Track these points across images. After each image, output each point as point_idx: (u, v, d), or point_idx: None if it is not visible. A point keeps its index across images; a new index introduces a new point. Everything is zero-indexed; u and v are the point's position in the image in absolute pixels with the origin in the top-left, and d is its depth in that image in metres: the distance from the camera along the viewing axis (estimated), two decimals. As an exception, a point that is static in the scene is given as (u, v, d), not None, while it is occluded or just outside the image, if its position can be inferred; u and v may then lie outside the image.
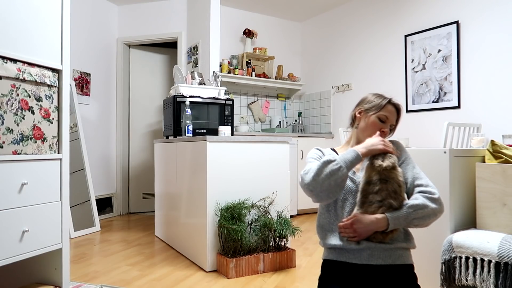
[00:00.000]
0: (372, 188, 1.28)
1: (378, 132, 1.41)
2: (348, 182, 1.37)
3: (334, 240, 1.34)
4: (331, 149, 1.53)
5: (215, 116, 3.45)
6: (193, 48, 4.31)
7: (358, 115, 1.49)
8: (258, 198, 2.70)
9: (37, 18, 1.87)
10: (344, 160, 1.27)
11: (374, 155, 1.32)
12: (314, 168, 1.28)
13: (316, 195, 1.28)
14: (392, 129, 1.47)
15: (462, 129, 3.14)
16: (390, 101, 1.45)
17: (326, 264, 1.39)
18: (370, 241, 1.30)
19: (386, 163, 1.28)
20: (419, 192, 1.31)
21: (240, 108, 5.09)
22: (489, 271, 1.48)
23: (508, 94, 3.27)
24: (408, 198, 1.34)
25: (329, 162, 1.26)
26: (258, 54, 4.96)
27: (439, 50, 3.77)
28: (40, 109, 1.88)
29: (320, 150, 1.49)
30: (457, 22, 3.61)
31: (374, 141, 1.33)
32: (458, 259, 1.59)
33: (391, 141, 1.45)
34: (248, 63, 4.92)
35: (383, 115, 1.42)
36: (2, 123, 1.70)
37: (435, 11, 3.83)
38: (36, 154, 1.85)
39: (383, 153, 1.32)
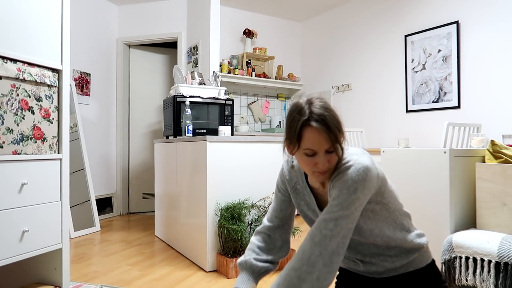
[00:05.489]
0: None
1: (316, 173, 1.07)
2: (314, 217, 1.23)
3: None
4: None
5: (215, 116, 3.45)
6: (193, 48, 4.31)
7: (288, 149, 1.11)
8: (258, 198, 2.70)
9: (37, 18, 1.87)
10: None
11: None
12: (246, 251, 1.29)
13: None
14: (335, 150, 1.05)
15: (462, 129, 3.14)
16: (307, 121, 1.02)
17: None
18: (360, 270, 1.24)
19: None
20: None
21: (240, 108, 5.08)
22: (489, 271, 1.48)
23: (508, 94, 3.27)
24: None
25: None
26: (258, 54, 4.96)
27: (439, 50, 3.77)
28: (40, 109, 1.88)
29: (284, 178, 1.27)
30: (457, 22, 3.61)
31: None
32: (458, 259, 1.59)
33: (340, 164, 1.08)
34: (248, 63, 4.92)
35: (306, 149, 1.04)
36: (2, 123, 1.70)
37: (435, 11, 3.83)
38: (36, 154, 1.85)
39: None
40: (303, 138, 1.03)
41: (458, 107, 3.61)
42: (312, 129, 1.02)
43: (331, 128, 1.02)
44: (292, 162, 1.22)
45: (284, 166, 1.27)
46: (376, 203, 1.12)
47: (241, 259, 1.26)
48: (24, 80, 1.80)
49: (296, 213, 4.79)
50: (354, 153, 1.10)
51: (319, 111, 1.02)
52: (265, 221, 1.32)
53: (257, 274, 1.23)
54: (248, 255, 1.26)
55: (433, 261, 1.24)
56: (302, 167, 1.10)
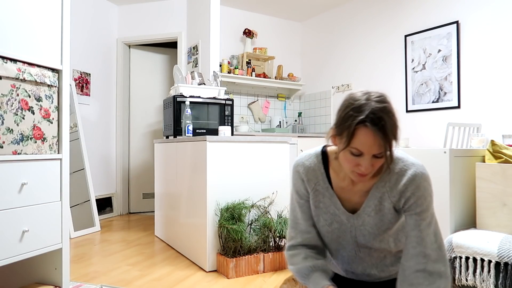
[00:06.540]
0: None
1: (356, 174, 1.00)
2: (341, 219, 1.13)
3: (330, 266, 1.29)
4: (323, 149, 1.20)
5: (215, 116, 3.45)
6: (193, 48, 4.31)
7: (332, 139, 1.06)
8: (258, 198, 2.70)
9: (37, 18, 1.86)
10: None
11: None
12: (294, 270, 1.17)
13: None
14: (385, 157, 0.98)
15: (462, 129, 3.14)
16: (364, 121, 0.93)
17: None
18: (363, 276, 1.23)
19: None
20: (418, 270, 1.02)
21: (240, 108, 5.08)
22: (489, 271, 1.48)
23: (508, 94, 3.27)
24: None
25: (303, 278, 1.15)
26: (258, 54, 4.95)
27: (439, 50, 3.77)
28: (40, 109, 1.88)
29: (302, 181, 1.17)
30: (457, 22, 3.61)
31: None
32: (458, 259, 1.59)
33: (401, 169, 1.05)
34: (248, 63, 4.92)
35: (354, 148, 0.96)
36: (2, 123, 1.70)
37: (435, 11, 3.83)
38: (36, 154, 1.85)
39: None
40: (354, 137, 0.94)
41: (458, 107, 3.61)
42: (367, 131, 0.93)
43: (388, 134, 0.94)
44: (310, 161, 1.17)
45: (299, 169, 1.17)
46: None
47: (307, 264, 1.14)
48: (24, 80, 1.80)
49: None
50: (401, 152, 1.11)
51: (379, 113, 0.93)
52: (301, 234, 1.18)
53: (329, 277, 1.16)
54: (314, 260, 1.15)
55: None
56: (342, 162, 1.03)
